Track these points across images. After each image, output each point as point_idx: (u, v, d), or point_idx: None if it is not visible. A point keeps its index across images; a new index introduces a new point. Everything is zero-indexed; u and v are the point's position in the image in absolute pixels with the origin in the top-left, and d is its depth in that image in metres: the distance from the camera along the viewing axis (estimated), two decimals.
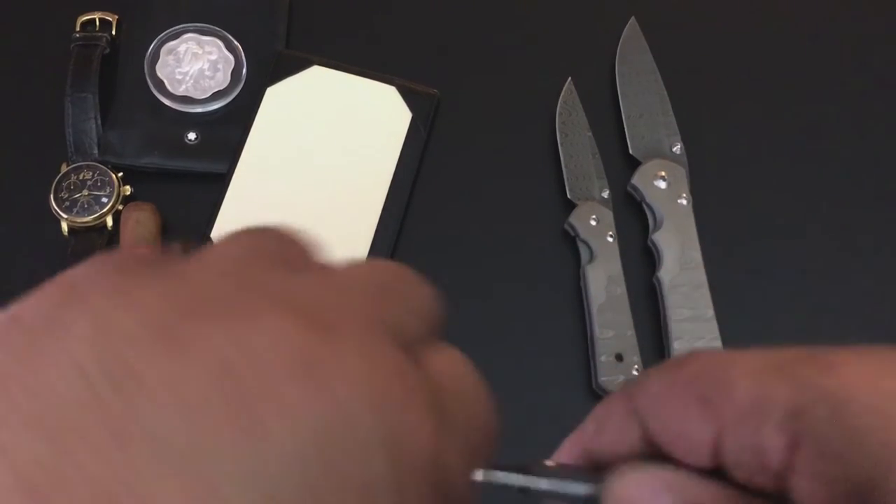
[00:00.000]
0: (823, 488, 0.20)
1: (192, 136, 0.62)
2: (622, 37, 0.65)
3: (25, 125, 0.63)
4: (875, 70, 0.66)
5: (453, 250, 0.60)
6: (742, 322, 0.58)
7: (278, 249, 0.21)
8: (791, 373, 0.21)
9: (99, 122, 0.61)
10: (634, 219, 0.61)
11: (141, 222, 0.57)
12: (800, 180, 0.63)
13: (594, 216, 0.59)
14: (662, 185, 0.59)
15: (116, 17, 0.65)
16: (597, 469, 0.24)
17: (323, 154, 0.61)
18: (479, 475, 0.23)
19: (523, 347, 0.58)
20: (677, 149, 0.61)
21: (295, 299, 0.18)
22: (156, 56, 0.63)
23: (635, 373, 0.55)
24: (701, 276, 0.57)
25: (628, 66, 0.64)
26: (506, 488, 0.24)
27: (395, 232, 0.59)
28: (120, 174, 0.60)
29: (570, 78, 0.64)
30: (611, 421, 0.24)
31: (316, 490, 0.15)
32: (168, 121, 0.62)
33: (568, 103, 0.63)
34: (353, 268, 0.22)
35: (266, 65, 0.63)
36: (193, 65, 0.63)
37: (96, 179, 0.59)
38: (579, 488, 0.24)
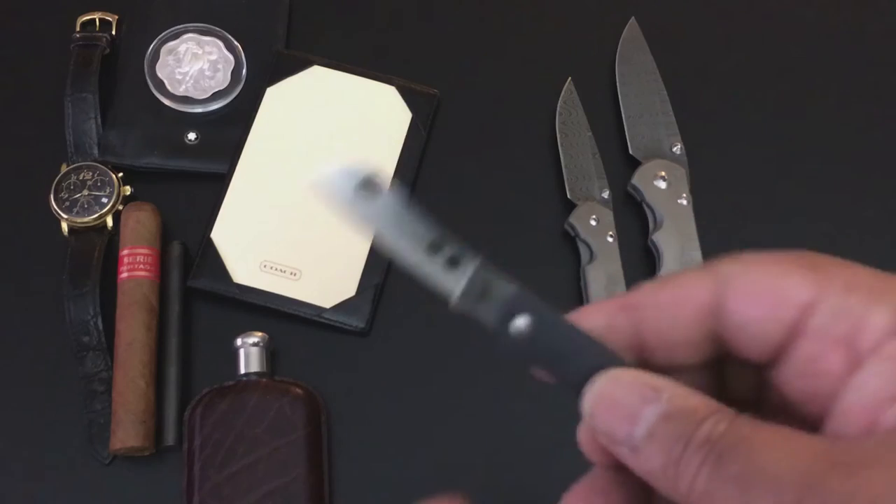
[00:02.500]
0: None
1: (192, 136, 0.62)
2: (622, 37, 0.65)
3: (25, 125, 0.63)
4: (876, 69, 0.66)
5: None
6: None
7: None
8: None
9: (99, 122, 0.61)
10: (634, 219, 0.61)
11: (141, 222, 0.57)
12: (800, 180, 0.63)
13: (594, 216, 0.59)
14: (662, 185, 0.59)
15: (116, 17, 0.65)
16: None
17: (323, 154, 0.61)
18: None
19: None
20: (677, 149, 0.61)
21: None
22: (156, 56, 0.63)
23: None
24: None
25: (628, 66, 0.64)
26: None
27: None
28: (120, 174, 0.60)
29: (570, 78, 0.64)
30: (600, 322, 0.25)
31: None
32: (168, 121, 0.62)
33: (568, 103, 0.63)
34: None
35: (266, 65, 0.63)
36: (193, 65, 0.63)
37: (96, 179, 0.59)
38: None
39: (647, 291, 0.25)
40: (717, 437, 0.21)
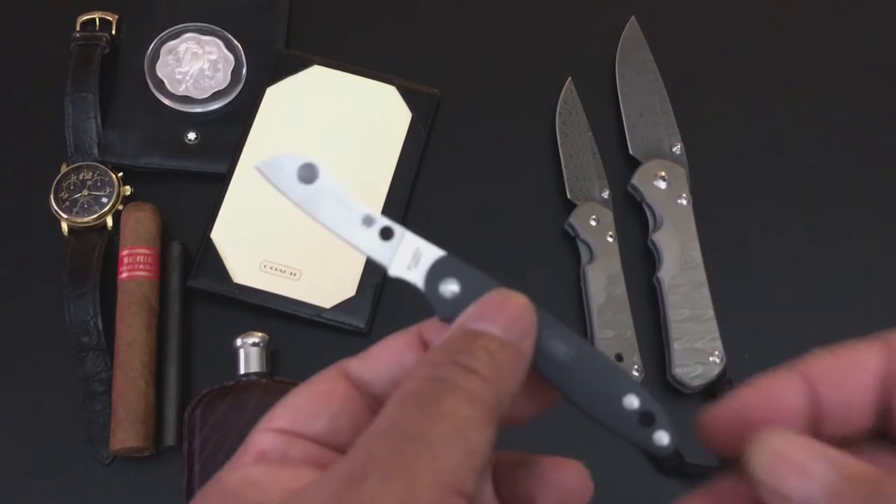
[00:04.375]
0: None
1: (192, 136, 0.62)
2: (622, 37, 0.65)
3: (25, 125, 0.63)
4: (875, 69, 0.66)
5: (453, 250, 0.60)
6: (742, 322, 0.58)
7: None
8: None
9: (99, 122, 0.61)
10: (634, 219, 0.61)
11: (141, 222, 0.57)
12: (800, 180, 0.63)
13: (594, 216, 0.59)
14: (662, 185, 0.59)
15: (116, 16, 0.65)
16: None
17: (323, 154, 0.61)
18: None
19: None
20: (677, 149, 0.61)
21: None
22: (156, 56, 0.63)
23: (635, 373, 0.55)
24: (701, 276, 0.57)
25: (628, 66, 0.64)
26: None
27: None
28: (120, 174, 0.60)
29: (570, 78, 0.64)
30: (780, 392, 0.25)
31: None
32: (168, 121, 0.62)
33: (568, 103, 0.63)
34: None
35: (266, 65, 0.63)
36: (193, 64, 0.63)
37: (96, 179, 0.59)
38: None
39: (822, 359, 0.25)
40: None
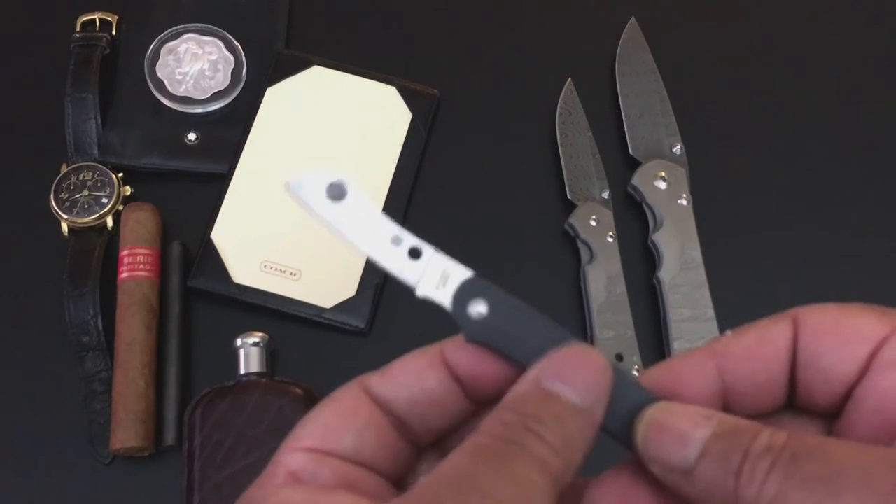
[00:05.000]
0: None
1: (192, 136, 0.62)
2: (622, 37, 0.65)
3: (25, 125, 0.63)
4: (875, 69, 0.66)
5: (453, 250, 0.60)
6: (742, 322, 0.58)
7: None
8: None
9: (99, 122, 0.61)
10: (634, 219, 0.61)
11: (141, 222, 0.57)
12: (800, 180, 0.63)
13: (594, 216, 0.59)
14: (662, 185, 0.59)
15: (116, 17, 0.65)
16: None
17: (323, 154, 0.61)
18: None
19: None
20: (677, 149, 0.61)
21: None
22: (156, 56, 0.63)
23: (635, 373, 0.55)
24: (701, 276, 0.57)
25: (628, 66, 0.64)
26: None
27: None
28: (120, 174, 0.60)
29: (570, 78, 0.64)
30: (689, 372, 0.25)
31: None
32: (168, 121, 0.62)
33: (568, 103, 0.63)
34: None
35: (266, 65, 0.63)
36: (193, 65, 0.63)
37: (96, 180, 0.59)
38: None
39: (731, 338, 0.26)
40: (780, 444, 0.21)
